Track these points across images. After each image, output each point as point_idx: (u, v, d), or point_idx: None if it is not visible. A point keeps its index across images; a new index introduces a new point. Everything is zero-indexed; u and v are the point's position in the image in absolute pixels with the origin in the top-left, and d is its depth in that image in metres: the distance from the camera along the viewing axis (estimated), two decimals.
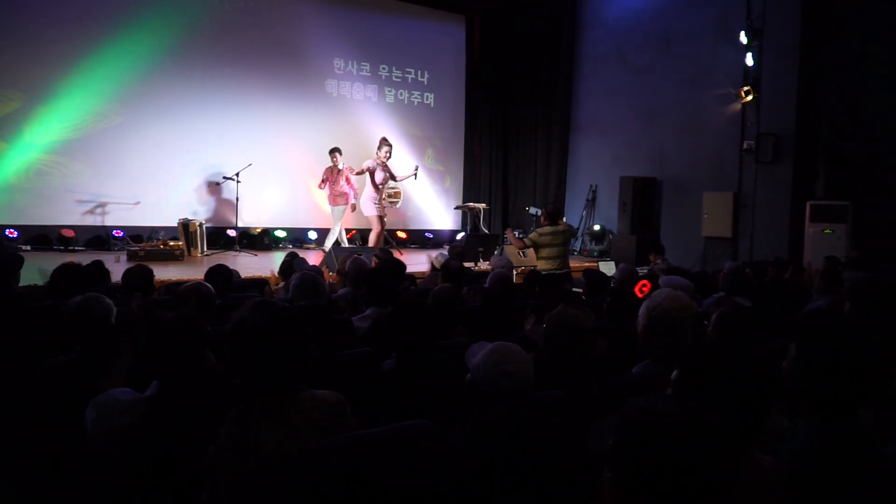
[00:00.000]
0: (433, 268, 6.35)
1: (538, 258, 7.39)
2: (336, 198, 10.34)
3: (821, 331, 1.94)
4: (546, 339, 2.77)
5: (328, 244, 10.16)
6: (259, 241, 10.72)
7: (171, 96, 10.59)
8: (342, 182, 10.39)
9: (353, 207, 10.41)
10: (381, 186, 9.74)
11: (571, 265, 7.82)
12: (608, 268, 8.46)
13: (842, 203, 9.59)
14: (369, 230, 10.09)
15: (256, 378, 1.96)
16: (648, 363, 2.69)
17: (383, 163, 9.63)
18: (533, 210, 11.68)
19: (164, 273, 7.37)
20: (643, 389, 2.51)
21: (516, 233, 10.33)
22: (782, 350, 3.00)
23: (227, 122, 11.06)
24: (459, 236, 12.28)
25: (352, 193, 10.47)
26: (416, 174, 10.27)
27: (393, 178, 10.12)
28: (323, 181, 10.49)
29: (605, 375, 2.67)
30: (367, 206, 9.70)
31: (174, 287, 4.86)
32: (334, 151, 10.49)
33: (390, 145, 9.92)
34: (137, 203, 10.34)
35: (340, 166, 10.45)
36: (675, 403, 1.38)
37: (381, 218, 9.67)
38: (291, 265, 5.65)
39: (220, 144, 10.96)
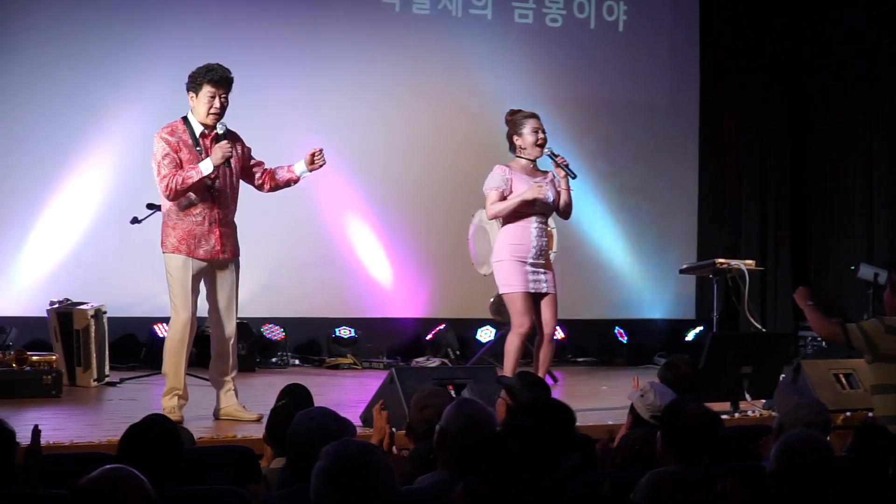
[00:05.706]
0: (635, 418, 4.17)
1: (873, 386, 5.09)
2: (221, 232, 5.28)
3: None
4: None
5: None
6: None
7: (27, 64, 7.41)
8: (231, 180, 5.11)
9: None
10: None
11: None
12: None
13: None
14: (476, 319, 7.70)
15: None
16: None
17: (530, 162, 5.81)
18: (865, 271, 8.37)
19: (25, 427, 4.70)
20: None
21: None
22: None
23: (150, 97, 7.24)
24: (692, 335, 9.04)
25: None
26: (567, 170, 6.00)
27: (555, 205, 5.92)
28: (172, 181, 4.82)
29: None
30: (507, 270, 5.73)
31: (54, 464, 3.37)
32: (211, 81, 4.98)
33: (537, 118, 5.91)
34: None
35: (220, 130, 4.98)
36: None
37: (533, 296, 5.70)
38: (293, 419, 3.33)
39: (133, 143, 7.30)
